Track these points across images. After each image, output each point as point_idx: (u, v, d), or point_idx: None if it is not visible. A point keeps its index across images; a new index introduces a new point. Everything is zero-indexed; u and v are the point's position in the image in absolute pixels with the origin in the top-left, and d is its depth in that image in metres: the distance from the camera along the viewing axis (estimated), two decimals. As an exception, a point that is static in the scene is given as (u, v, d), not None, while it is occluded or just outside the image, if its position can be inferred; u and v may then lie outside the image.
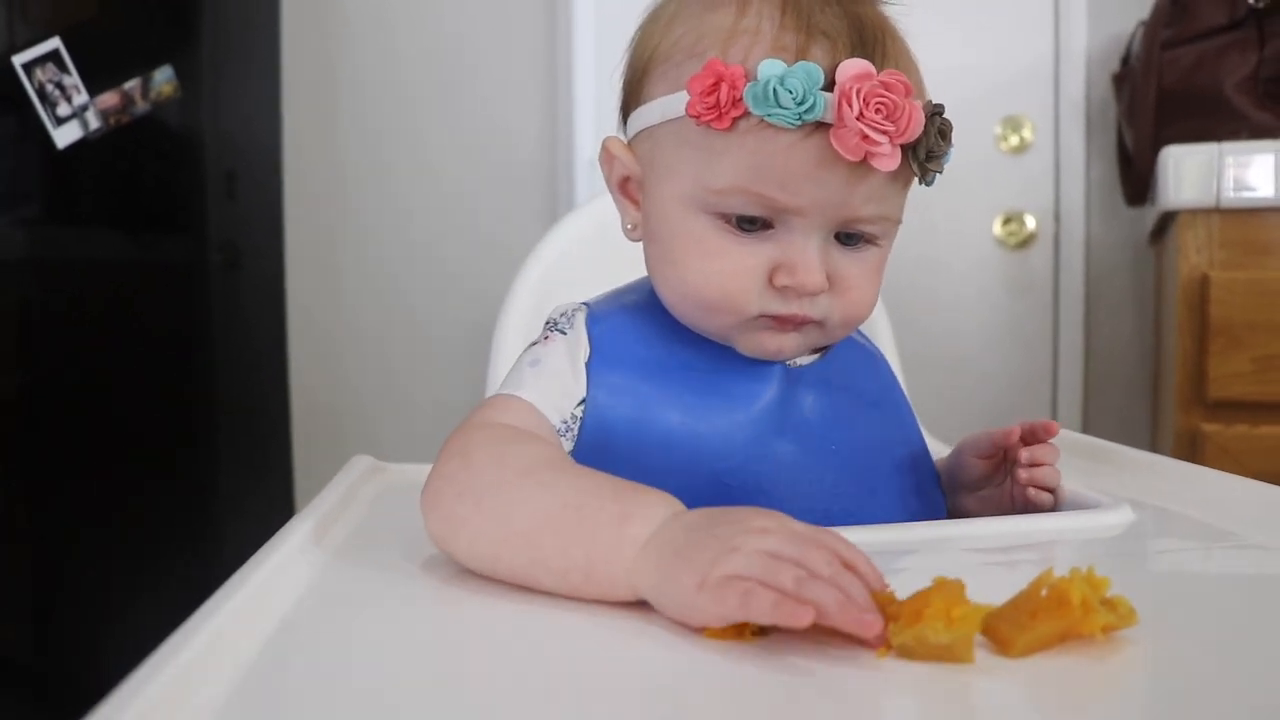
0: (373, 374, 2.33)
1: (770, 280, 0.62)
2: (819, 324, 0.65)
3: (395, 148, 2.31)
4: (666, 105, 0.64)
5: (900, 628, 0.42)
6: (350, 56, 2.31)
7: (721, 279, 0.63)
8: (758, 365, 0.67)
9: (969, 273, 2.20)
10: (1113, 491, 0.72)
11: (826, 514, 0.64)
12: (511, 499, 0.54)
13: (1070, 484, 0.71)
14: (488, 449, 0.58)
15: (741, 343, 0.66)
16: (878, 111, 0.57)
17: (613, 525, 0.50)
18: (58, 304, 1.64)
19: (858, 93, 0.57)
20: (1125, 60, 1.96)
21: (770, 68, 0.58)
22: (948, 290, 2.21)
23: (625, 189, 0.70)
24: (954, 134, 0.63)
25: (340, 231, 2.33)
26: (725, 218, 0.63)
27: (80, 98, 1.46)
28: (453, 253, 2.29)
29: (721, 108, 0.59)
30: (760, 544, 0.45)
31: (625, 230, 0.71)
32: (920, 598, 0.43)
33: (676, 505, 0.52)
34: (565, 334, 0.68)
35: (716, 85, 0.59)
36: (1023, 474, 0.69)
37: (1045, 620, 0.42)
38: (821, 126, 0.58)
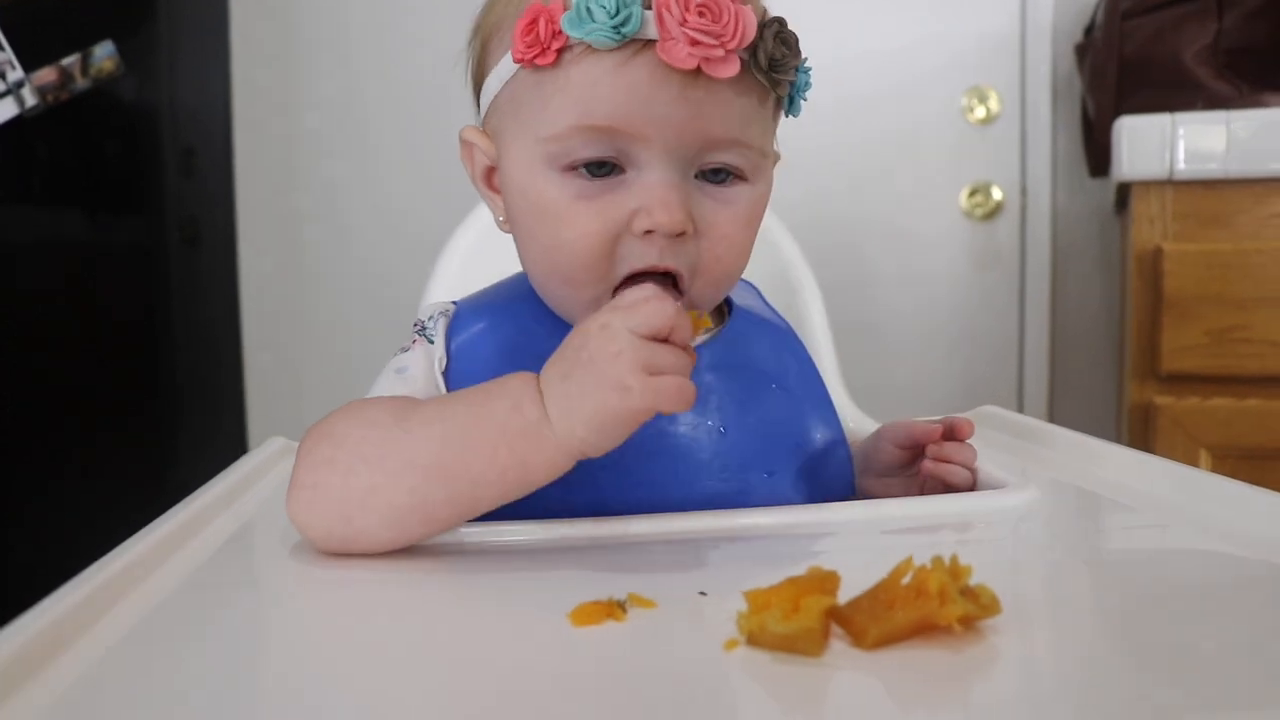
0: (329, 349, 2.30)
1: (630, 229, 0.60)
2: (683, 284, 0.62)
3: (350, 123, 2.28)
4: (502, 69, 0.63)
5: (747, 615, 0.41)
6: (300, 28, 2.28)
7: (574, 245, 0.60)
8: None
9: (935, 244, 2.19)
10: (1040, 472, 0.71)
11: (718, 496, 0.63)
12: (408, 445, 0.54)
13: (985, 464, 0.70)
14: (349, 423, 0.57)
15: None
16: (701, 15, 0.55)
17: (513, 416, 0.53)
18: (11, 282, 1.62)
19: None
20: (1089, 30, 1.94)
21: None
22: (913, 262, 2.19)
23: (490, 181, 0.68)
24: (810, 53, 0.61)
25: (295, 206, 2.30)
26: (573, 169, 0.60)
27: (15, 74, 1.43)
28: (410, 227, 2.27)
29: (543, 43, 0.58)
30: (628, 345, 0.51)
31: (498, 224, 0.68)
32: (780, 586, 0.42)
33: (529, 375, 0.55)
34: (432, 342, 0.67)
35: (535, 22, 0.58)
36: (927, 465, 0.68)
37: (901, 610, 0.41)
38: (649, 46, 0.56)
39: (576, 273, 0.61)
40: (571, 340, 0.54)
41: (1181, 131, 1.40)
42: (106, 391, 1.81)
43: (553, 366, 0.54)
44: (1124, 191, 1.64)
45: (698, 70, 0.56)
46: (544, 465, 0.53)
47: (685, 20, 0.55)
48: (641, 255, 0.60)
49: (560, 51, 0.58)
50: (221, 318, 2.07)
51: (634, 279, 0.61)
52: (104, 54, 1.55)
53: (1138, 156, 1.42)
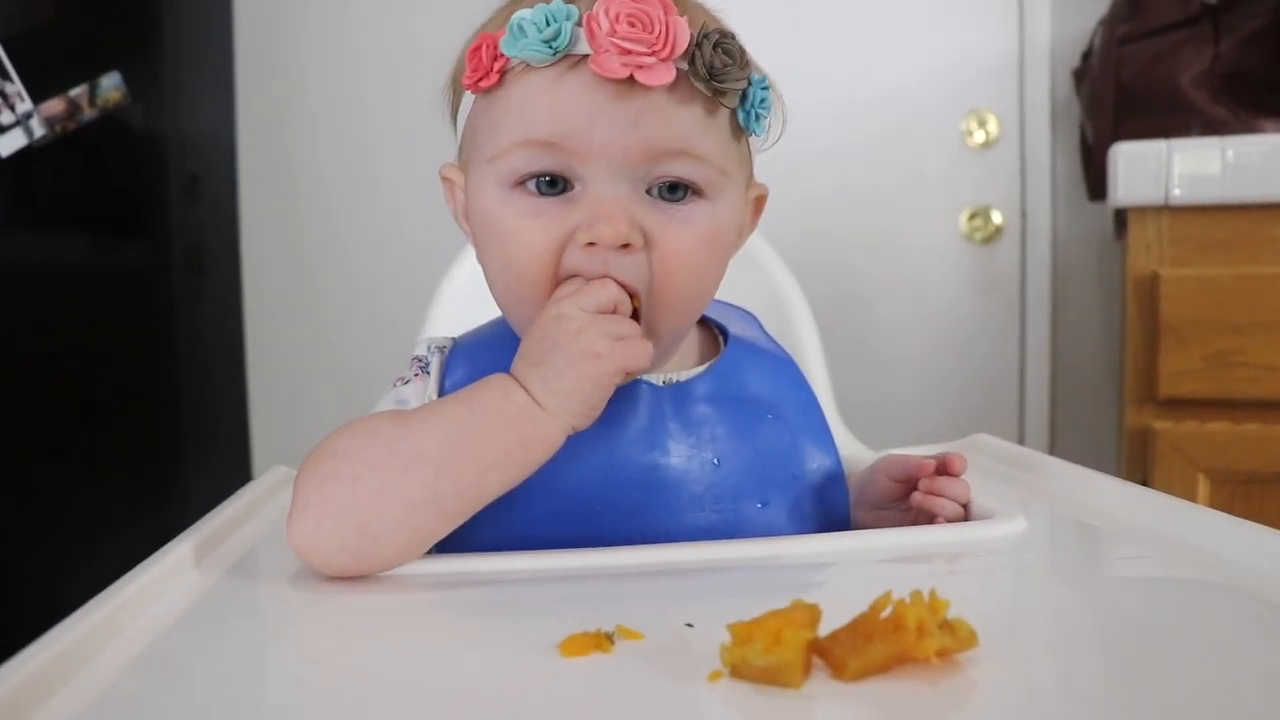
0: (333, 374, 2.32)
1: (575, 240, 0.60)
2: (639, 301, 0.61)
3: (354, 149, 2.30)
4: (465, 103, 0.65)
5: (730, 647, 0.42)
6: (304, 56, 2.30)
7: (522, 257, 0.61)
8: (624, 385, 0.64)
9: (935, 268, 2.20)
10: (1029, 502, 0.72)
11: (711, 527, 0.64)
12: (411, 444, 0.57)
13: (975, 495, 0.71)
14: (349, 438, 0.58)
15: None
16: (631, 25, 0.56)
17: (504, 402, 0.57)
18: (16, 306, 1.64)
19: (607, 11, 0.56)
20: (1086, 55, 1.95)
21: (520, 14, 0.58)
22: (913, 286, 2.20)
23: (468, 216, 0.69)
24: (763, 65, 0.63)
25: (299, 232, 2.31)
26: (521, 185, 0.61)
27: (24, 105, 1.45)
28: (414, 253, 2.28)
29: (485, 66, 0.60)
30: (587, 321, 0.58)
31: (478, 259, 0.69)
32: (762, 619, 0.43)
33: (498, 374, 0.60)
34: (429, 374, 0.68)
35: (479, 48, 0.60)
36: (916, 497, 0.68)
37: (880, 644, 0.42)
38: (585, 61, 0.58)
39: (524, 288, 0.62)
40: (531, 336, 0.59)
41: (1177, 158, 1.40)
42: (110, 416, 1.82)
43: (521, 362, 0.59)
44: (1123, 216, 1.65)
45: (633, 81, 0.57)
46: (540, 441, 0.58)
47: (615, 31, 0.56)
48: (587, 267, 0.60)
49: (503, 73, 0.60)
50: (226, 343, 2.09)
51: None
52: (111, 85, 1.57)
53: (1133, 183, 1.43)
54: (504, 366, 0.61)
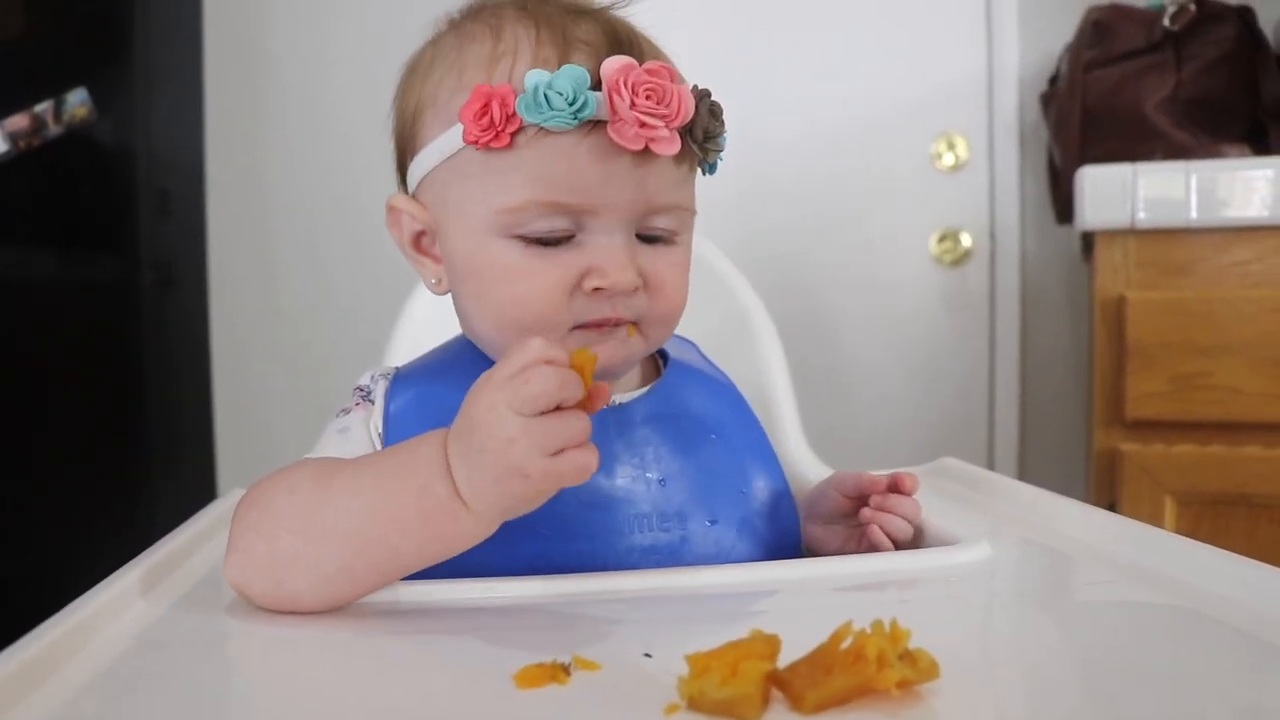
0: (299, 392, 2.30)
1: (581, 287, 0.62)
2: (635, 325, 0.65)
3: (323, 166, 2.29)
4: (443, 144, 0.64)
5: (688, 679, 0.41)
6: (274, 71, 2.29)
7: (530, 297, 0.63)
8: None
9: (905, 290, 2.21)
10: (995, 527, 0.72)
11: (659, 546, 0.64)
12: (328, 514, 0.55)
13: (940, 520, 0.71)
14: (275, 489, 0.58)
15: None
16: (648, 98, 0.59)
17: (424, 498, 0.53)
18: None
19: (625, 83, 0.58)
20: (1053, 80, 1.97)
21: (536, 76, 0.59)
22: (883, 308, 2.21)
23: (419, 245, 0.70)
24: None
25: (268, 249, 2.30)
26: (524, 239, 0.63)
27: (-14, 120, 1.44)
28: (383, 270, 2.27)
29: (497, 126, 0.60)
30: (519, 431, 0.51)
31: (430, 286, 0.70)
32: (720, 650, 0.42)
33: (433, 439, 0.54)
34: (373, 403, 0.68)
35: (487, 106, 0.60)
36: (865, 513, 0.69)
37: (840, 675, 0.41)
38: (599, 125, 0.60)
39: (529, 324, 0.62)
40: (464, 419, 0.53)
41: (1142, 181, 1.42)
42: (76, 431, 1.80)
43: (454, 442, 0.54)
44: (1090, 238, 1.67)
45: (646, 150, 0.59)
46: (462, 538, 0.54)
47: (634, 104, 0.58)
48: (597, 308, 0.63)
49: (514, 134, 0.60)
50: (193, 359, 2.07)
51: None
52: (77, 100, 1.55)
53: (1100, 206, 1.45)
54: (452, 393, 0.58)
